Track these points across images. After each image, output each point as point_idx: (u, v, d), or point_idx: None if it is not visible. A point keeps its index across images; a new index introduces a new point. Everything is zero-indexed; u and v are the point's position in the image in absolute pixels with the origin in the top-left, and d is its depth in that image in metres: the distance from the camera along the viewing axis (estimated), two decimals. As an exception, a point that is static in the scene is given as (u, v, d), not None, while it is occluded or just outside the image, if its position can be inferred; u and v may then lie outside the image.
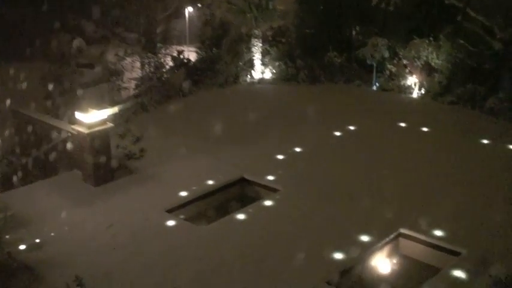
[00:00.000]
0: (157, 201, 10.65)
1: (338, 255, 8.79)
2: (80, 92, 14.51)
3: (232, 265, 8.72)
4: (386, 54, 16.60)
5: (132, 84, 16.70)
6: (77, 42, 16.53)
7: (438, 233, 9.31)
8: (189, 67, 17.88)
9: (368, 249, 9.00)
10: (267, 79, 17.87)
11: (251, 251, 9.08)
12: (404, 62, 16.55)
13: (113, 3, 19.01)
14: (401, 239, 9.49)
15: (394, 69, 16.74)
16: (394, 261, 9.31)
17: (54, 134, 12.57)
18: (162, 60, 17.62)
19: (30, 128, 13.01)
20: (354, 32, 17.86)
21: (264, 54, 17.97)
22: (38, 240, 9.37)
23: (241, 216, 10.14)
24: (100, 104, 12.13)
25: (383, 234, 9.34)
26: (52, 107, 14.31)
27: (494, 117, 14.23)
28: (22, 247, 9.13)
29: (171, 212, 10.45)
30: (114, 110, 14.16)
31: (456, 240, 9.09)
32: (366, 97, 16.32)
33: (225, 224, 9.96)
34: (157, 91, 16.24)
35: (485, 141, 12.96)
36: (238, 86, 17.53)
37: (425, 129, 13.79)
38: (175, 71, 17.68)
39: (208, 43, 18.76)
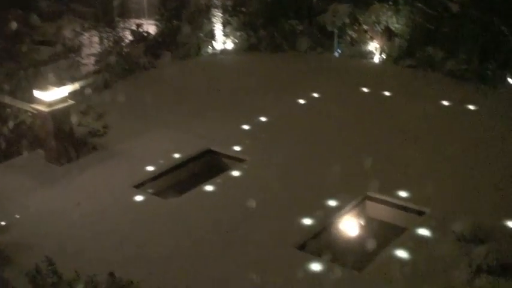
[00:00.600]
0: (125, 177, 10.59)
1: (307, 221, 8.95)
2: (38, 70, 14.14)
3: (204, 236, 8.79)
4: (347, 20, 16.64)
5: (92, 60, 16.35)
6: (32, 18, 16.03)
7: (403, 194, 9.56)
8: (148, 40, 17.59)
9: (336, 213, 9.19)
10: (229, 50, 17.74)
11: (221, 221, 9.16)
12: (365, 27, 16.64)
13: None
14: (367, 202, 9.71)
15: (355, 35, 16.81)
16: (362, 223, 9.54)
17: (14, 114, 12.27)
18: (121, 34, 17.26)
19: (-13, 110, 12.66)
20: (314, -1, 17.83)
21: (225, 24, 17.79)
22: (3, 223, 9.23)
23: (209, 188, 10.18)
24: (59, 82, 11.87)
25: (350, 198, 9.54)
26: (9, 87, 13.91)
27: (454, 79, 14.52)
28: (-13, 230, 9.00)
29: (139, 187, 10.41)
30: (75, 86, 13.86)
31: (420, 201, 9.36)
32: (328, 64, 16.40)
33: (194, 196, 10.00)
34: (118, 66, 15.95)
35: (446, 103, 13.24)
36: (200, 58, 17.37)
37: (387, 93, 13.99)
38: (135, 45, 17.38)
39: (167, 15, 18.43)
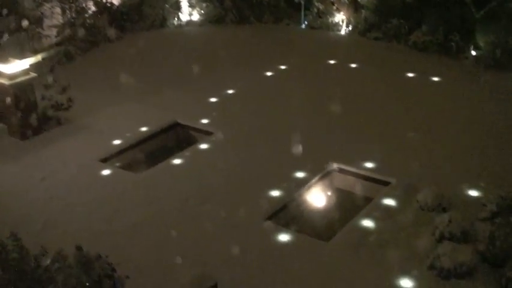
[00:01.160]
0: (91, 151, 10.45)
1: (275, 193, 9.03)
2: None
3: (172, 210, 8.79)
4: (314, -8, 16.60)
5: (54, 31, 15.90)
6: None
7: (369, 165, 9.70)
8: (112, 11, 17.17)
9: (303, 185, 9.28)
10: (195, 21, 17.49)
11: (189, 194, 9.16)
12: (332, -1, 16.62)
13: None
14: (334, 173, 9.83)
15: (321, 7, 16.77)
16: (329, 194, 9.67)
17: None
18: (84, 5, 16.79)
19: None
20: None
21: (191, -5, 17.51)
22: (-34, 199, 9.05)
23: (177, 161, 10.14)
24: (21, 54, 11.54)
25: (317, 169, 9.63)
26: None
27: (419, 51, 14.68)
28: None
29: (106, 161, 10.30)
30: (37, 58, 13.50)
31: (386, 171, 9.53)
32: (295, 36, 16.36)
33: (161, 170, 9.95)
34: (82, 38, 15.56)
35: (410, 75, 13.41)
36: (165, 30, 17.09)
37: (353, 65, 14.07)
38: (99, 16, 16.94)
39: (131, -15, 17.98)
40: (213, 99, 12.47)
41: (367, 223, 8.28)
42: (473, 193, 8.82)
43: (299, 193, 9.18)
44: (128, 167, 10.40)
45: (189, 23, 17.46)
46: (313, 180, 9.43)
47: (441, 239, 7.63)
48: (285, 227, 8.38)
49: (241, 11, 17.48)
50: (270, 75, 13.73)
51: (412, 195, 8.79)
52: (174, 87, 13.10)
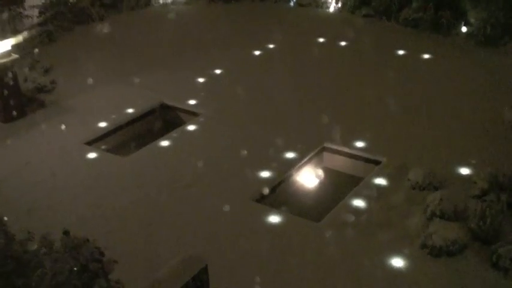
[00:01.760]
0: (75, 134, 10.38)
1: (265, 174, 9.03)
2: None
3: (160, 193, 8.77)
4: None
5: (35, 12, 15.66)
6: None
7: (359, 144, 9.73)
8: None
9: (294, 166, 9.29)
10: (180, 0, 17.31)
11: (178, 176, 9.15)
12: (321, -25, 16.47)
13: None
14: (325, 153, 9.85)
15: (310, -17, 16.65)
16: (319, 174, 9.70)
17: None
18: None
19: None
20: None
21: (176, -28, 17.30)
22: (-52, 184, 8.97)
23: (165, 143, 10.10)
24: (1, 35, 11.32)
25: (307, 149, 9.64)
26: None
27: (409, 28, 14.64)
28: None
29: (91, 144, 10.24)
30: (18, 39, 13.28)
31: (376, 150, 9.56)
32: (283, 14, 16.25)
33: (149, 152, 9.91)
34: (64, 18, 15.35)
35: (401, 52, 13.39)
36: (150, 9, 16.91)
37: (343, 43, 14.03)
38: (81, -5, 16.72)
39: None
40: (201, 80, 12.40)
41: (358, 203, 8.33)
42: (465, 171, 8.88)
43: (289, 173, 9.20)
44: (114, 149, 10.35)
45: (175, 1, 17.28)
46: (304, 161, 9.44)
47: (432, 217, 7.70)
48: (275, 208, 8.40)
49: (228, -11, 17.32)
50: (259, 54, 13.65)
51: (403, 174, 8.84)
52: (160, 67, 13.00)
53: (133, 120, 11.01)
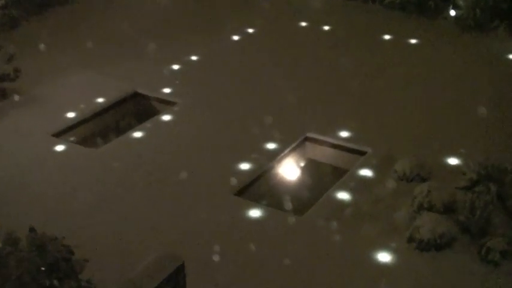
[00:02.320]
0: (42, 125, 10.26)
1: (245, 166, 9.02)
2: None
3: (134, 187, 8.72)
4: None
5: (-3, -6, 15.40)
6: None
7: (344, 134, 9.76)
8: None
9: (275, 157, 9.30)
10: (154, -18, 17.16)
11: (152, 170, 9.09)
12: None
13: None
14: (308, 144, 9.87)
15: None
16: (302, 166, 9.72)
17: None
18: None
19: None
20: None
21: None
22: None
23: (138, 134, 10.03)
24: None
25: (289, 140, 9.65)
26: None
27: (395, 12, 14.71)
28: None
29: (59, 136, 10.13)
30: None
31: (362, 140, 9.61)
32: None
33: (121, 144, 9.84)
34: (30, 1, 15.11)
35: (387, 37, 13.45)
36: (122, -8, 16.73)
37: (326, 27, 14.04)
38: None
39: None
40: (176, 67, 12.32)
41: (343, 195, 8.36)
42: (454, 161, 8.96)
43: (270, 165, 9.20)
44: (83, 141, 10.25)
45: (148, -17, 17.12)
46: (286, 151, 9.44)
47: (420, 210, 7.76)
48: (256, 201, 8.40)
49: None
50: (237, 40, 13.61)
51: (389, 165, 8.89)
52: (132, 54, 12.88)
53: (104, 110, 10.92)
